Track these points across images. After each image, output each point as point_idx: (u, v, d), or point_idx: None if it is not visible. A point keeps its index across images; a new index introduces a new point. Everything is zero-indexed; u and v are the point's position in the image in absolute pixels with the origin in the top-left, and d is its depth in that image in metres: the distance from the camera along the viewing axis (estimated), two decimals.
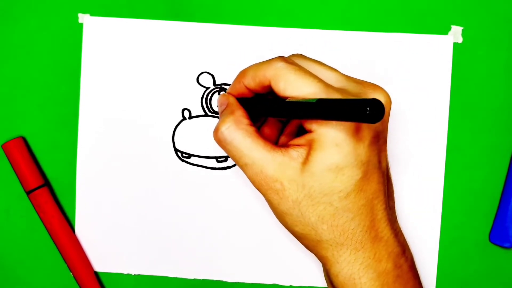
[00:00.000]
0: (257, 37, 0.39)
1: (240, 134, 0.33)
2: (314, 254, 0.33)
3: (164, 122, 0.40)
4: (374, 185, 0.32)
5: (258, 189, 0.33)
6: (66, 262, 0.40)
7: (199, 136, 0.40)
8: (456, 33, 0.39)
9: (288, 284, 0.40)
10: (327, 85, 0.31)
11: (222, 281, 0.40)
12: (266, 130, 0.37)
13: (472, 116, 0.40)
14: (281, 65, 0.32)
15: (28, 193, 0.40)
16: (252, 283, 0.40)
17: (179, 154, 0.40)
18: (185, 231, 0.40)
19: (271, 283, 0.40)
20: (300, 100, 0.30)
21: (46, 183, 0.40)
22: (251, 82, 0.34)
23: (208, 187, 0.40)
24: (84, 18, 0.40)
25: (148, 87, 0.40)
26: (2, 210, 0.41)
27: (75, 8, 0.40)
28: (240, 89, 0.35)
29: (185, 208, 0.40)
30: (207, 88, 0.40)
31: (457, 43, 0.39)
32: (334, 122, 0.30)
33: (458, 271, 0.40)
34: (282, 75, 0.32)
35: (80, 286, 0.40)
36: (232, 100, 0.35)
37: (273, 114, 0.33)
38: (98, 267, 0.41)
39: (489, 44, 0.39)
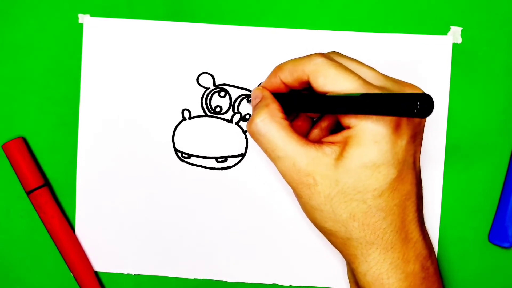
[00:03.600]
0: (257, 37, 0.40)
1: (275, 127, 0.32)
2: (341, 251, 0.33)
3: (164, 122, 0.40)
4: (407, 185, 0.31)
5: (288, 182, 0.33)
6: (66, 262, 0.40)
7: (199, 136, 0.40)
8: (455, 34, 0.39)
9: (288, 284, 0.40)
10: (367, 82, 0.31)
11: (222, 281, 0.40)
12: (298, 124, 0.37)
13: (471, 116, 0.40)
14: (321, 60, 0.32)
15: (28, 193, 0.40)
16: (252, 283, 0.40)
17: (179, 154, 0.40)
18: (185, 231, 0.40)
19: (271, 283, 0.40)
20: (343, 95, 0.30)
21: (46, 183, 0.40)
22: (289, 76, 0.34)
23: (208, 187, 0.40)
24: (84, 19, 0.40)
25: (148, 87, 0.40)
26: (2, 210, 0.41)
27: (75, 9, 0.40)
28: (275, 84, 0.35)
29: (185, 208, 0.40)
30: (207, 89, 0.40)
31: (457, 43, 0.39)
32: (374, 119, 0.30)
33: (457, 271, 0.40)
34: (321, 70, 0.32)
35: (80, 286, 0.40)
36: (267, 93, 0.35)
37: (312, 109, 0.33)
38: (98, 267, 0.41)
39: (489, 44, 0.39)
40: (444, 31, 0.39)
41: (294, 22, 0.40)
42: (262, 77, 0.39)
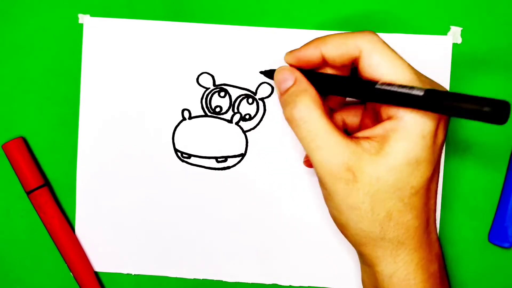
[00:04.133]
0: (257, 37, 0.39)
1: (318, 115, 0.30)
2: (366, 253, 0.31)
3: (164, 122, 0.40)
4: (435, 185, 0.31)
5: (323, 176, 0.30)
6: (66, 262, 0.40)
7: (199, 136, 0.40)
8: (455, 34, 0.39)
9: (287, 284, 0.40)
10: (420, 75, 0.29)
11: (222, 281, 0.40)
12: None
13: None
14: (376, 38, 0.29)
15: (28, 193, 0.40)
16: (252, 283, 0.40)
17: (179, 154, 0.40)
18: (185, 231, 0.40)
19: (271, 283, 0.40)
20: (402, 91, 0.27)
21: (46, 183, 0.40)
22: (334, 50, 0.30)
23: (208, 187, 0.40)
24: (84, 19, 0.40)
25: (148, 87, 0.40)
26: (2, 210, 0.41)
27: (75, 9, 0.40)
28: (311, 57, 0.32)
29: (185, 208, 0.40)
30: (207, 89, 0.40)
31: (456, 43, 0.39)
32: (422, 112, 0.28)
33: (457, 271, 0.40)
34: (377, 48, 0.29)
35: (80, 286, 0.40)
36: (299, 75, 0.32)
37: (358, 96, 0.30)
38: (98, 267, 0.41)
39: (489, 44, 0.39)
40: (444, 31, 0.39)
41: (294, 22, 0.40)
42: (262, 77, 0.39)
